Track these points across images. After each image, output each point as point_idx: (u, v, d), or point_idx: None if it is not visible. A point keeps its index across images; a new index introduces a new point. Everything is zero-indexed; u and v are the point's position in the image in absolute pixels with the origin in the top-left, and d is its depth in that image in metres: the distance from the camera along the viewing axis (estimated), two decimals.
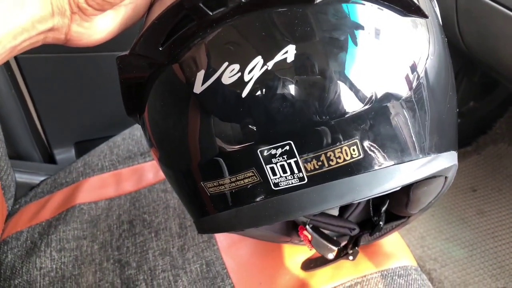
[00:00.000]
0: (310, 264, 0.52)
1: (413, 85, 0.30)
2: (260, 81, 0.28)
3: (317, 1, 0.28)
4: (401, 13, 0.31)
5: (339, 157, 0.29)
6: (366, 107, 0.29)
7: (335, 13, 0.29)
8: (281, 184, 0.30)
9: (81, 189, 0.68)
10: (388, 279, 0.51)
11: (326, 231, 0.48)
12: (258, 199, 0.31)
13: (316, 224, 0.46)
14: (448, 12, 0.78)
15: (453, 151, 0.35)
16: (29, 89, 0.87)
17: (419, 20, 0.32)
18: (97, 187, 0.69)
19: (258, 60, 0.28)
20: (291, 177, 0.30)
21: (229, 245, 0.57)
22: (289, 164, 0.30)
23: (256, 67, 0.28)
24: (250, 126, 0.29)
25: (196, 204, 0.36)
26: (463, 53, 0.87)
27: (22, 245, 0.63)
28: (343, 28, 0.29)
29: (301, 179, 0.30)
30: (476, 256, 1.00)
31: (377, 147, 0.29)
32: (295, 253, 0.54)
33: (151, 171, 0.69)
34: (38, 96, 0.88)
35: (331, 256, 0.47)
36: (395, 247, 0.55)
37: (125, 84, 0.34)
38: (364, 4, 0.30)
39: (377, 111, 0.29)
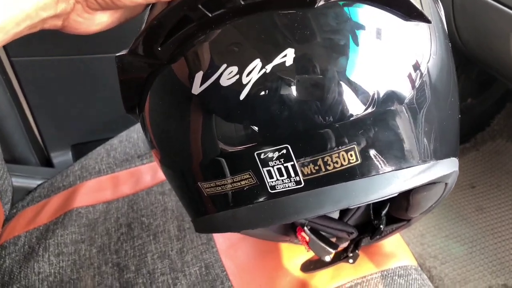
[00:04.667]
0: (310, 266, 0.52)
1: (415, 87, 0.30)
2: (258, 84, 0.28)
3: (318, 5, 0.28)
4: (403, 17, 0.30)
5: (336, 162, 0.29)
6: (364, 113, 0.28)
7: (336, 17, 0.28)
8: (277, 187, 0.30)
9: (78, 193, 0.68)
10: (388, 279, 0.51)
11: (324, 233, 0.48)
12: (254, 202, 0.31)
13: (314, 226, 0.46)
14: (444, 9, 0.78)
15: (454, 158, 0.34)
16: (24, 92, 0.86)
17: (422, 23, 0.31)
18: (95, 191, 0.68)
19: (257, 62, 0.28)
20: (287, 180, 0.30)
21: (228, 247, 0.56)
22: (286, 168, 0.29)
23: (255, 70, 0.28)
24: (247, 128, 0.29)
25: (194, 204, 0.36)
26: (460, 50, 0.87)
27: (19, 250, 0.63)
28: (344, 31, 0.29)
29: (298, 182, 0.30)
30: (476, 253, 1.00)
31: (375, 153, 0.29)
32: (295, 255, 0.54)
33: (148, 174, 0.68)
34: (34, 99, 0.88)
35: (328, 258, 0.47)
36: (395, 246, 0.55)
37: (124, 83, 0.34)
38: (365, 7, 0.29)
39: (375, 116, 0.29)
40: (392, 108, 0.29)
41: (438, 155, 0.32)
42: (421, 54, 0.31)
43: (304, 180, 0.29)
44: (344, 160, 0.29)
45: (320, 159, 0.29)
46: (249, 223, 0.32)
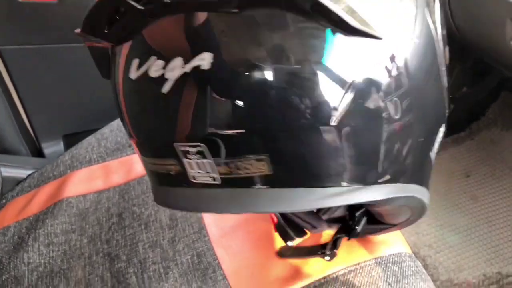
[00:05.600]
0: (287, 252, 0.51)
1: (339, 107, 0.28)
2: (178, 82, 0.28)
3: (246, 10, 0.27)
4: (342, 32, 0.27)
5: (248, 169, 0.29)
6: (279, 125, 0.28)
7: (265, 21, 0.27)
8: (198, 178, 0.31)
9: (68, 183, 0.67)
10: (382, 266, 0.51)
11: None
12: (180, 186, 0.32)
13: None
14: None
15: (402, 184, 0.33)
16: (14, 81, 0.85)
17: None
18: (85, 180, 0.67)
19: (179, 61, 0.28)
20: (206, 174, 0.30)
21: (221, 236, 0.56)
22: (203, 164, 0.30)
23: (176, 68, 0.28)
24: (167, 121, 0.30)
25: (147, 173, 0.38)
26: (455, 37, 0.86)
27: (9, 241, 0.62)
28: (271, 37, 0.27)
29: (215, 179, 0.30)
30: (470, 242, 1.00)
31: (287, 166, 0.29)
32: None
33: (139, 163, 0.67)
34: (24, 88, 0.86)
35: (290, 243, 0.48)
36: (389, 234, 0.54)
37: (92, 50, 0.35)
38: (295, 15, 0.27)
39: (291, 131, 0.28)
40: (310, 125, 0.28)
41: (363, 179, 0.31)
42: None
43: (221, 178, 0.30)
44: (255, 168, 0.29)
45: (232, 163, 0.29)
46: (175, 205, 0.34)
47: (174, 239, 0.57)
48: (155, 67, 0.29)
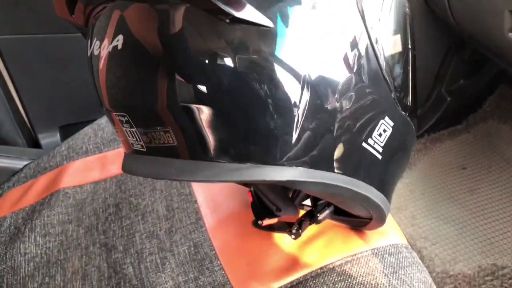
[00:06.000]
0: (259, 222, 0.52)
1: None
2: (106, 60, 0.33)
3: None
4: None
5: (159, 139, 0.32)
6: (178, 102, 0.30)
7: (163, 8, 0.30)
8: (134, 145, 0.35)
9: (65, 173, 0.67)
10: (379, 257, 0.51)
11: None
12: (129, 152, 0.36)
13: (257, 191, 0.51)
14: None
15: (309, 169, 0.33)
16: (10, 71, 0.84)
17: None
18: (82, 171, 0.67)
19: (106, 42, 0.32)
20: (136, 142, 0.34)
21: (217, 226, 0.56)
22: (132, 132, 0.34)
23: (105, 47, 0.32)
24: (101, 94, 0.34)
25: None
26: (453, 29, 0.86)
27: (5, 231, 0.62)
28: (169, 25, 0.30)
29: (142, 147, 0.34)
30: (466, 234, 1.00)
31: (188, 139, 0.32)
32: (285, 234, 0.53)
33: None
34: (20, 79, 0.86)
35: (259, 222, 0.51)
36: (386, 225, 0.54)
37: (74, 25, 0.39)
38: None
39: (186, 107, 0.30)
40: (197, 104, 0.30)
41: (269, 160, 0.32)
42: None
43: (145, 146, 0.33)
44: (164, 140, 0.32)
45: (149, 133, 0.33)
46: (127, 169, 0.36)
47: (171, 230, 0.57)
48: (96, 46, 0.34)
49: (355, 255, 0.51)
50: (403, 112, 0.38)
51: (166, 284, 0.52)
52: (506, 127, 1.19)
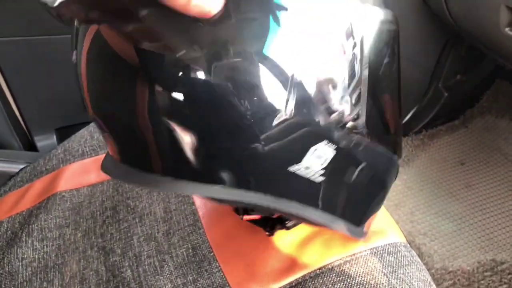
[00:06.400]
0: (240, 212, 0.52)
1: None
2: (85, 66, 0.34)
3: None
4: None
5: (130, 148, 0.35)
6: (117, 112, 0.33)
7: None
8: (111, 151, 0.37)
9: (61, 176, 0.66)
10: (378, 256, 0.51)
11: None
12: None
13: None
14: None
15: (223, 187, 0.33)
16: (4, 74, 0.84)
17: None
18: (79, 174, 0.67)
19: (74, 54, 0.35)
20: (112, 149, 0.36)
21: (215, 228, 0.56)
22: (108, 137, 0.36)
23: (73, 57, 0.35)
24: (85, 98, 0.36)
25: None
26: (449, 24, 0.86)
27: (2, 236, 0.61)
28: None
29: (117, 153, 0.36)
30: (464, 229, 1.01)
31: (121, 147, 0.35)
32: (283, 234, 0.53)
33: None
34: (14, 81, 0.85)
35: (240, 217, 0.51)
36: (384, 224, 0.54)
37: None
38: None
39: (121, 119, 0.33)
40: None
41: (181, 174, 0.33)
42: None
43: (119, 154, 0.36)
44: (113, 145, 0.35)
45: (110, 136, 0.36)
46: (104, 169, 0.38)
47: (169, 232, 0.57)
48: (74, 56, 0.35)
49: (354, 255, 0.51)
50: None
51: (165, 286, 0.52)
52: (504, 122, 1.19)
